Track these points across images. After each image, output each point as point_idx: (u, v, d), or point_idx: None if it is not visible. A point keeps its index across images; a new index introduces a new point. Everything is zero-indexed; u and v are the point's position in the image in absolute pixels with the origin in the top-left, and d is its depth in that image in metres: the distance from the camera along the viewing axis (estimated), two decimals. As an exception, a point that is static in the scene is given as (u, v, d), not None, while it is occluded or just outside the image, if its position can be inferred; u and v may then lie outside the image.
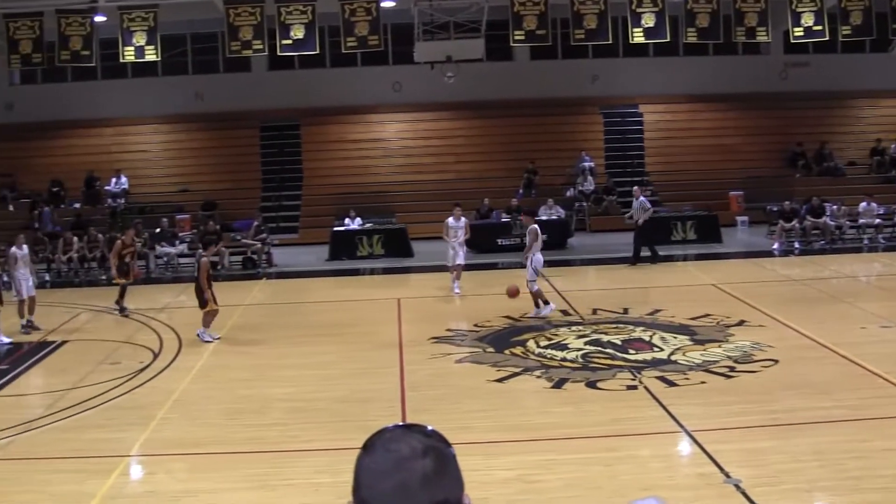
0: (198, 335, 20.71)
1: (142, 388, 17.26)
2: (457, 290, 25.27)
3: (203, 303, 20.64)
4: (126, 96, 40.76)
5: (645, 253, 29.43)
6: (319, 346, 20.03)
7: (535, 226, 22.54)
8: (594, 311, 21.80)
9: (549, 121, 40.53)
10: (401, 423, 2.70)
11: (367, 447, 2.65)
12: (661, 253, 29.92)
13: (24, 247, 23.23)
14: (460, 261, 25.58)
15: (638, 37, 32.19)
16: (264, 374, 17.98)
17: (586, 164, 38.14)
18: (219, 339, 20.71)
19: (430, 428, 2.67)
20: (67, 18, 31.65)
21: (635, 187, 30.95)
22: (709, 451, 12.05)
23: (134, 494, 12.42)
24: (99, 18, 32.10)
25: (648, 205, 29.69)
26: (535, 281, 21.82)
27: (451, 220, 25.86)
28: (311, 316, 24.52)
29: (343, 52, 32.96)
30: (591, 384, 15.64)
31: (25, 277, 22.62)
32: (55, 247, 31.82)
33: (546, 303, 21.72)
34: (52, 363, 19.78)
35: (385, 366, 17.94)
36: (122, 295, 24.17)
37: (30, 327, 22.28)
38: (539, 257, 22.05)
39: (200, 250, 22.68)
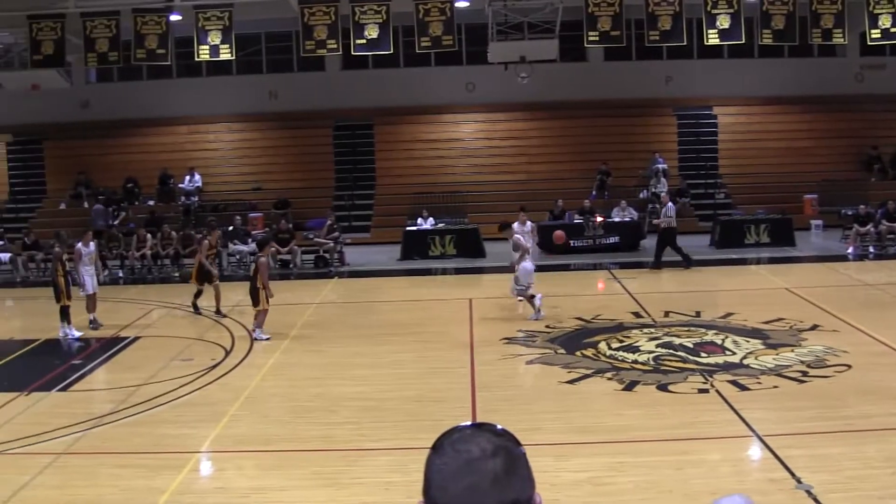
0: (254, 337, 20.96)
1: (213, 384, 17.40)
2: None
3: (256, 301, 20.87)
4: (200, 95, 41.10)
5: (672, 258, 29.13)
6: (391, 346, 20.06)
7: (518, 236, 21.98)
8: (666, 314, 21.62)
9: (623, 122, 40.30)
10: (470, 423, 2.68)
11: (437, 447, 2.64)
12: (733, 256, 29.65)
13: (91, 244, 23.48)
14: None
15: (713, 38, 31.92)
16: (335, 373, 18.03)
17: (659, 165, 37.84)
18: (268, 339, 20.88)
19: (499, 427, 2.65)
20: (144, 17, 32.01)
21: (662, 193, 30.42)
22: (780, 456, 11.91)
23: (204, 491, 12.50)
24: (174, 17, 32.44)
25: (672, 212, 29.33)
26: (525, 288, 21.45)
27: (516, 225, 24.23)
28: (382, 315, 24.57)
29: (417, 51, 33.04)
30: (663, 387, 15.52)
31: (91, 274, 22.91)
32: (129, 243, 32.18)
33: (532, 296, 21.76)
34: (124, 359, 19.98)
35: (456, 366, 17.93)
36: (197, 296, 24.24)
37: (94, 324, 22.57)
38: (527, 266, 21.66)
39: (257, 251, 22.87)
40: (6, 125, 41.42)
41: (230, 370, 18.38)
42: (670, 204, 29.44)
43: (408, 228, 33.20)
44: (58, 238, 23.18)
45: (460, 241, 32.40)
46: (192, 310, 24.25)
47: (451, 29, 31.67)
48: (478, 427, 2.65)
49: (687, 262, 28.90)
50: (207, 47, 31.98)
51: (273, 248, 28.15)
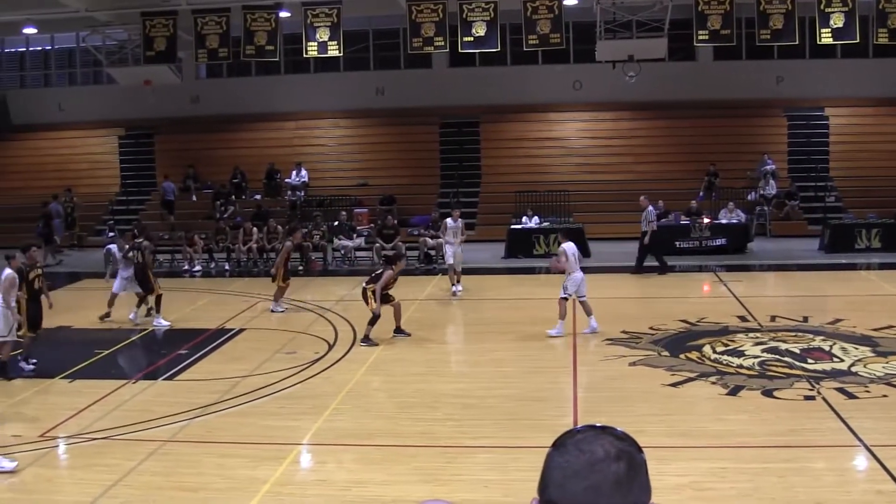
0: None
1: (316, 378, 17.54)
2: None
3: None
4: (308, 91, 41.46)
5: (652, 263, 28.76)
6: (493, 344, 20.04)
7: (565, 246, 21.22)
8: (772, 319, 21.28)
9: (732, 123, 39.79)
10: (594, 424, 2.64)
11: (559, 446, 2.61)
12: (843, 261, 29.15)
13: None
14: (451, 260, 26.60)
15: (826, 37, 31.30)
16: (438, 369, 18.09)
17: (769, 167, 37.29)
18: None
19: (621, 431, 2.62)
20: (253, 14, 32.41)
21: (641, 197, 29.86)
22: (888, 467, 11.63)
23: (304, 482, 12.61)
24: (283, 14, 32.79)
25: (653, 216, 28.86)
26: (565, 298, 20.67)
27: (449, 220, 27.22)
28: (485, 313, 24.56)
29: (524, 49, 32.97)
30: (768, 393, 15.28)
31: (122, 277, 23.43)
32: (235, 237, 32.57)
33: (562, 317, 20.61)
34: (229, 350, 20.24)
35: (558, 366, 17.87)
36: (277, 297, 24.24)
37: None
38: (576, 276, 20.78)
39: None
40: (119, 119, 42.26)
41: (333, 364, 18.53)
42: (651, 208, 28.95)
43: (512, 227, 33.15)
44: (142, 230, 23.71)
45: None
46: (297, 305, 24.58)
47: (558, 27, 31.55)
48: (601, 429, 2.62)
49: (658, 269, 28.74)
50: (315, 44, 32.26)
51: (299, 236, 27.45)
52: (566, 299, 20.42)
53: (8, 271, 18.18)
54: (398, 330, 20.87)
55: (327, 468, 13.07)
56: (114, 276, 23.75)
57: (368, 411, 15.56)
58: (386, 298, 20.80)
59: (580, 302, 20.51)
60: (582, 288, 20.62)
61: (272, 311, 23.91)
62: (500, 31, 32.08)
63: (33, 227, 37.34)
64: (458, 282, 26.53)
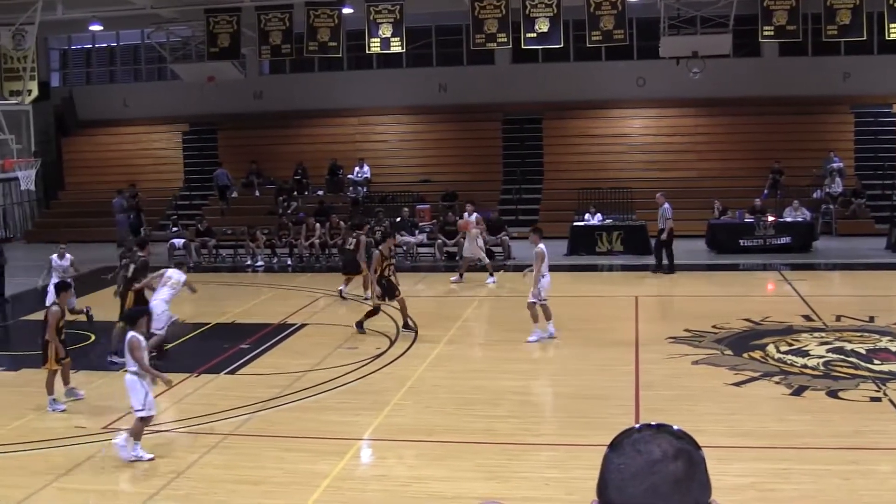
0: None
1: (377, 373, 17.58)
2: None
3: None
4: (370, 87, 41.54)
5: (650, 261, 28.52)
6: (555, 340, 19.95)
7: (542, 246, 20.54)
8: (838, 318, 21.00)
9: (797, 119, 39.34)
10: (650, 423, 2.60)
11: (616, 446, 2.57)
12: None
13: (68, 256, 23.65)
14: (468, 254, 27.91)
15: (895, 32, 30.86)
16: (498, 366, 18.04)
17: (835, 164, 36.81)
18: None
19: (678, 428, 2.58)
20: (316, 11, 32.55)
21: (658, 194, 29.51)
22: (957, 470, 11.47)
23: (365, 477, 12.64)
24: (346, 11, 32.89)
25: (669, 214, 28.53)
26: (535, 302, 20.08)
27: (465, 214, 28.87)
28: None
29: (587, 45, 32.84)
30: (833, 393, 15.10)
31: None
32: (298, 232, 32.70)
33: (536, 321, 20.05)
34: (291, 345, 20.33)
35: (620, 363, 17.77)
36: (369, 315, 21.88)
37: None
38: (546, 280, 20.24)
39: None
40: (182, 115, 42.59)
41: (394, 359, 18.56)
42: (667, 205, 28.63)
43: (575, 223, 32.99)
44: (143, 244, 23.60)
45: (628, 237, 32.04)
46: (358, 300, 24.72)
47: (622, 23, 31.39)
48: (658, 428, 2.57)
49: (663, 269, 28.40)
50: (378, 40, 32.34)
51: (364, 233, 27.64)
52: (535, 304, 19.95)
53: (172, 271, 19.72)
54: (405, 325, 21.03)
55: (388, 463, 13.09)
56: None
57: (429, 407, 15.57)
58: (392, 293, 20.94)
59: (541, 306, 20.04)
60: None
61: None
62: (563, 28, 31.96)
63: (99, 221, 37.83)
64: (462, 276, 27.65)
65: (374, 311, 21.13)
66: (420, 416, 15.02)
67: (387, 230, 27.17)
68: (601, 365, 17.84)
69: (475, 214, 28.40)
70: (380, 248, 21.94)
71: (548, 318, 19.90)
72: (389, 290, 21.14)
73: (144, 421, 13.23)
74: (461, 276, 27.61)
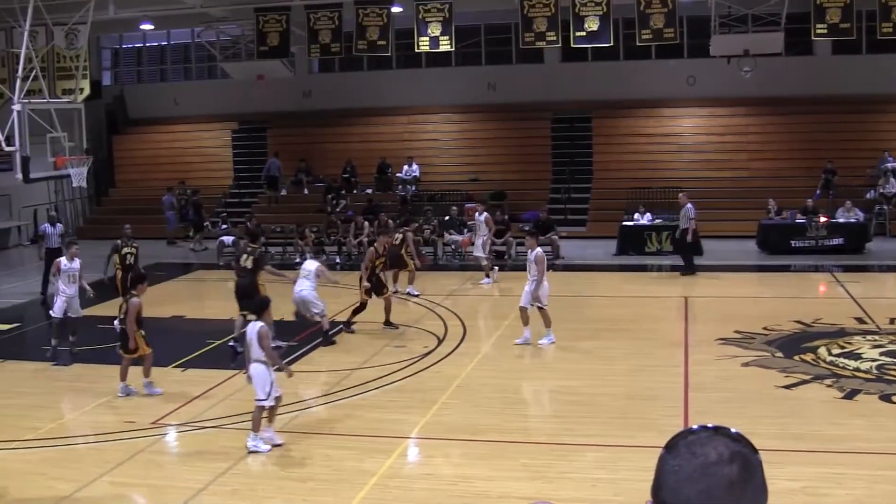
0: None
1: (425, 372, 17.58)
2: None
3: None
4: (419, 86, 41.55)
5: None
6: (602, 341, 19.88)
7: (540, 250, 20.12)
8: (892, 321, 20.72)
9: (851, 119, 38.89)
10: (706, 425, 2.55)
11: (672, 448, 2.52)
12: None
13: (77, 260, 23.23)
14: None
15: (951, 30, 30.45)
16: (546, 366, 18.00)
17: (889, 164, 36.34)
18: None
19: (735, 431, 2.53)
20: (365, 9, 32.59)
21: (680, 194, 29.18)
22: None
23: (412, 476, 12.63)
24: (396, 9, 32.91)
25: (692, 214, 28.27)
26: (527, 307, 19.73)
27: (476, 214, 29.13)
28: (595, 310, 24.35)
29: (637, 44, 32.65)
30: (886, 397, 14.91)
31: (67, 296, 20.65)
32: (347, 230, 32.73)
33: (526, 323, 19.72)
34: (339, 343, 20.35)
35: (669, 364, 17.65)
36: (355, 312, 21.82)
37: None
38: (546, 285, 19.83)
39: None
40: (232, 113, 42.81)
41: (442, 358, 18.54)
42: (689, 205, 28.35)
43: (624, 223, 32.82)
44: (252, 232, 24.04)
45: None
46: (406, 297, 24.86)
47: (672, 21, 31.18)
48: (714, 430, 2.52)
49: (687, 270, 28.20)
50: (427, 39, 32.33)
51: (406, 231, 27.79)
52: (527, 308, 19.68)
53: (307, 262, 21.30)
54: (387, 322, 21.41)
55: (434, 462, 13.08)
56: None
57: (477, 406, 15.56)
58: (380, 290, 21.38)
59: (541, 310, 19.75)
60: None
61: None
62: (613, 26, 31.79)
63: (149, 217, 38.05)
64: (488, 275, 27.65)
65: (361, 307, 21.31)
66: (467, 415, 15.00)
67: (386, 226, 27.07)
68: (650, 365, 17.73)
69: (485, 214, 28.60)
70: (374, 244, 22.38)
71: (547, 324, 19.63)
72: (377, 287, 21.63)
73: (265, 410, 13.55)
74: (488, 276, 27.61)
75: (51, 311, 19.94)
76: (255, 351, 13.58)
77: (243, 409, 15.26)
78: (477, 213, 28.92)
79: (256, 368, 13.56)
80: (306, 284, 20.25)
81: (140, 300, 16.73)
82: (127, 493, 12.39)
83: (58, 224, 27.50)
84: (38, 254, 25.81)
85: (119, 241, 23.68)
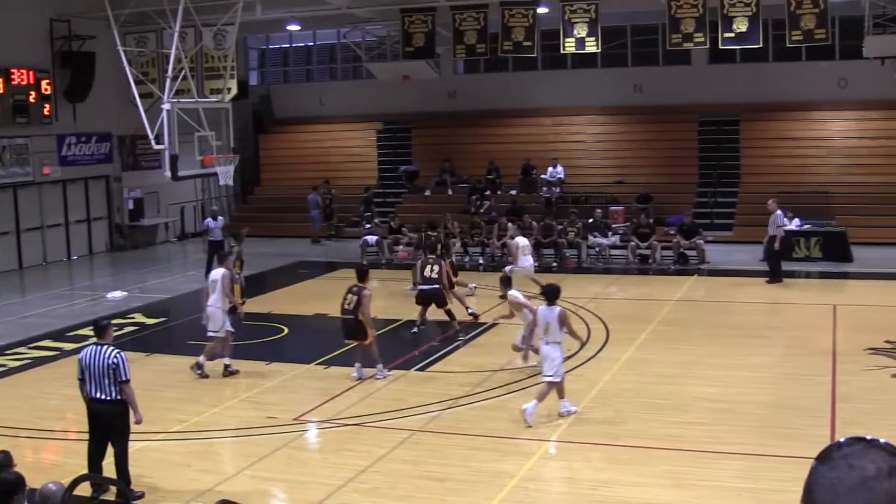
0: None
1: (567, 375, 17.42)
2: None
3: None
4: (565, 87, 41.35)
5: None
6: (748, 348, 19.53)
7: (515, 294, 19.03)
8: None
9: None
10: (859, 437, 2.43)
11: (825, 459, 2.42)
12: None
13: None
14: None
15: None
16: (690, 372, 17.74)
17: None
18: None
19: (883, 441, 2.41)
20: (511, 10, 32.54)
21: (770, 200, 28.10)
22: None
23: (551, 479, 12.58)
24: (541, 10, 32.77)
25: (782, 221, 27.37)
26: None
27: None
28: (741, 316, 23.93)
29: (787, 45, 32.00)
30: None
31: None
32: (490, 231, 32.71)
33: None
34: (481, 344, 20.38)
35: (815, 373, 17.27)
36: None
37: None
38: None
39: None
40: (377, 113, 43.16)
41: (585, 362, 18.42)
42: (779, 212, 27.38)
43: (771, 228, 32.19)
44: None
45: (826, 243, 31.03)
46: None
47: (823, 22, 30.46)
48: (870, 442, 2.41)
49: (774, 277, 27.37)
50: (573, 40, 32.14)
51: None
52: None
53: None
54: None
55: (574, 466, 13.00)
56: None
57: (618, 411, 15.43)
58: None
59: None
60: None
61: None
62: (762, 27, 31.21)
63: (293, 216, 38.64)
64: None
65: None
66: (608, 420, 14.89)
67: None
68: (796, 374, 17.37)
69: (517, 240, 26.35)
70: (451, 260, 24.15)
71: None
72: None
73: (552, 385, 14.87)
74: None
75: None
76: (555, 332, 14.93)
77: (384, 407, 15.41)
78: (510, 236, 27.37)
79: (549, 348, 14.92)
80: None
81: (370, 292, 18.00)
82: (267, 487, 12.56)
83: (219, 217, 28.21)
84: (201, 247, 26.38)
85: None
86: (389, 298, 24.42)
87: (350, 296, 17.76)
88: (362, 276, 18.31)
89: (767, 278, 27.35)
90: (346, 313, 17.74)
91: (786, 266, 29.46)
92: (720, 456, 12.99)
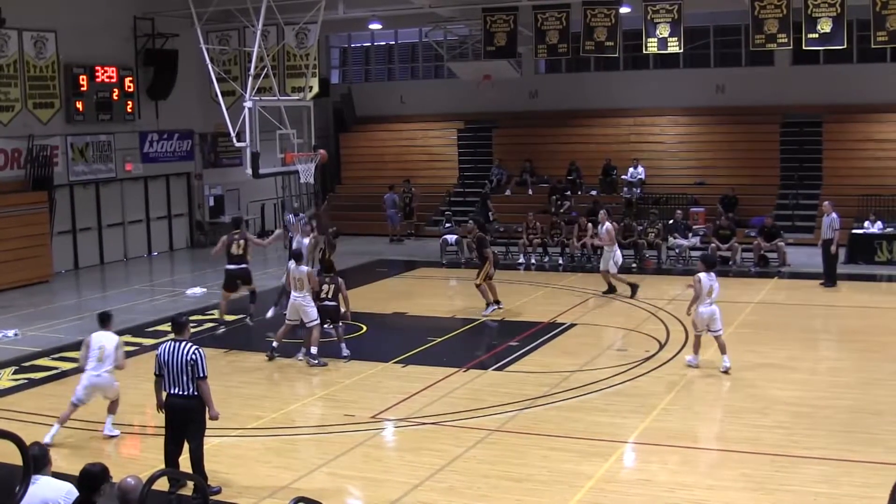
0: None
1: (645, 376, 17.45)
2: None
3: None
4: (646, 87, 41.13)
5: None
6: (830, 352, 19.40)
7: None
8: None
9: None
10: None
11: None
12: None
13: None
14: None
15: None
16: (769, 375, 17.61)
17: None
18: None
19: None
20: (593, 10, 32.47)
21: (825, 202, 27.48)
22: None
23: (629, 481, 12.56)
24: (624, 10, 32.68)
25: (838, 224, 26.99)
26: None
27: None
28: (822, 319, 23.74)
29: (872, 46, 31.58)
30: None
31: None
32: (570, 231, 32.66)
33: None
34: (559, 344, 20.38)
35: (898, 378, 17.09)
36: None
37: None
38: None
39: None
40: (458, 113, 43.22)
41: (663, 363, 18.38)
42: (835, 215, 26.97)
43: (854, 231, 31.80)
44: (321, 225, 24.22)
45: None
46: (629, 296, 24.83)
47: (911, 22, 30.06)
48: None
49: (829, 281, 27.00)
50: (655, 40, 32.00)
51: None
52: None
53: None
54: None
55: (652, 468, 12.96)
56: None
57: (697, 413, 15.41)
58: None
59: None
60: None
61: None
62: (847, 27, 30.84)
63: (372, 214, 38.88)
64: (611, 288, 26.29)
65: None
66: (687, 422, 14.85)
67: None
68: (879, 379, 17.18)
69: (607, 224, 26.31)
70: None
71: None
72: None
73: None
74: (610, 288, 26.17)
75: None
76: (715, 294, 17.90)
77: (462, 406, 15.49)
78: (601, 225, 26.77)
79: (717, 308, 17.85)
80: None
81: None
82: (344, 485, 12.67)
83: (301, 214, 28.42)
84: (283, 243, 26.63)
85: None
86: (469, 298, 24.46)
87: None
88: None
89: (822, 281, 27.09)
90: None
91: (867, 269, 29.19)
92: (799, 460, 12.89)
